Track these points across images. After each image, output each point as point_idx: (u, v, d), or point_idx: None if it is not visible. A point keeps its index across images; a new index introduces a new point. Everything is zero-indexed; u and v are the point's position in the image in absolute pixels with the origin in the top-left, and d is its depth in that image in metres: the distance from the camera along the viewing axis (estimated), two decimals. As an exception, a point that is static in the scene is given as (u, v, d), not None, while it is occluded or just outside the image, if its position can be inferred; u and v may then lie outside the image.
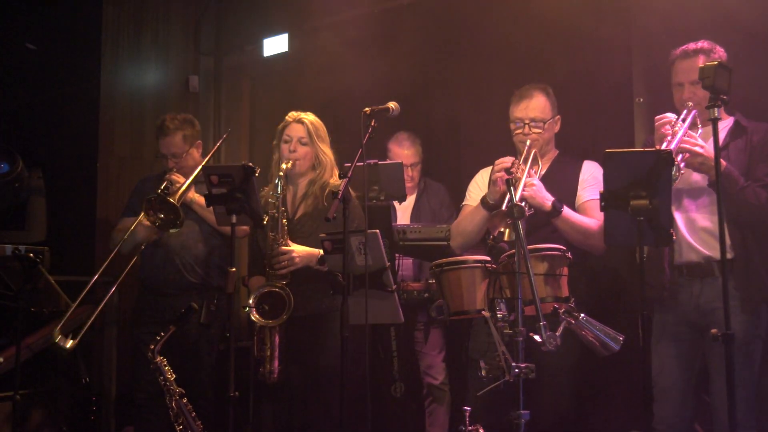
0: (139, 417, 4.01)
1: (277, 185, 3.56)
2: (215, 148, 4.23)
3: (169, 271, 4.01)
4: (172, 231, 3.80)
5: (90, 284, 3.78)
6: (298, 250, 3.54)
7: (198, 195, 3.99)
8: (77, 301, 3.76)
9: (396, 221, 4.36)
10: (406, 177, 4.43)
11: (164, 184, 3.88)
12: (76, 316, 3.89)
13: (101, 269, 3.81)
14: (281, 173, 3.58)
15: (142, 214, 3.83)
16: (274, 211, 3.55)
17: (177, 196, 3.78)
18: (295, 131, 3.70)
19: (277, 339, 3.52)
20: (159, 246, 4.01)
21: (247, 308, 3.47)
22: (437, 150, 4.73)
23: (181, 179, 3.94)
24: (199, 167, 3.95)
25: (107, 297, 3.85)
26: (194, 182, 3.92)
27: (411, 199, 4.51)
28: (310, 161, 3.72)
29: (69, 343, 3.63)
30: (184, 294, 3.99)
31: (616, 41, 4.19)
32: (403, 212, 4.48)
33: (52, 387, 4.58)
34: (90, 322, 3.75)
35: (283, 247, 3.52)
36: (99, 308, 3.84)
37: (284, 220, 3.56)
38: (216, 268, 4.10)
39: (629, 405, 3.74)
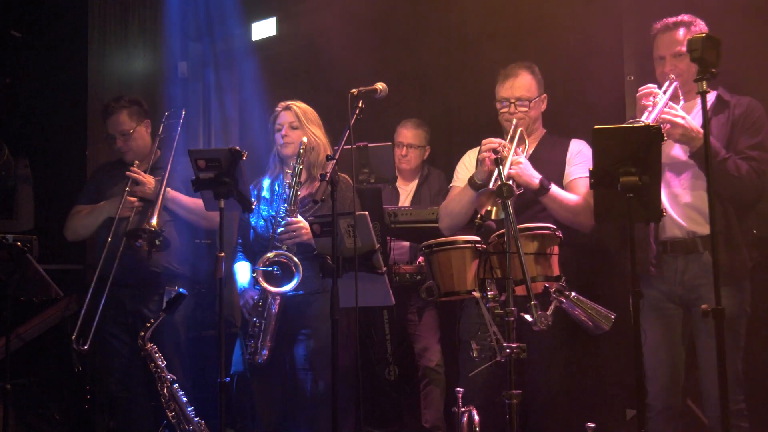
0: (118, 409, 3.95)
1: (297, 158, 3.54)
2: (178, 134, 4.10)
3: (129, 262, 3.89)
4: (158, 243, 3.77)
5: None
6: (306, 225, 3.53)
7: (171, 191, 3.94)
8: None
9: (398, 204, 4.36)
10: (400, 156, 4.45)
11: (128, 187, 3.86)
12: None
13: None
14: (302, 149, 3.55)
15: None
16: (290, 181, 3.54)
17: (154, 221, 3.76)
18: (285, 118, 3.73)
19: (275, 312, 3.49)
20: (117, 236, 3.89)
21: (255, 273, 3.44)
22: (430, 133, 4.69)
23: (141, 174, 3.90)
24: (170, 158, 3.93)
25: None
26: (154, 168, 3.90)
27: (413, 185, 4.51)
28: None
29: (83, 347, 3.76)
30: (146, 284, 3.93)
31: (606, 19, 4.17)
32: (406, 196, 4.48)
33: (44, 376, 4.57)
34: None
35: (294, 219, 3.51)
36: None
37: (299, 193, 3.55)
38: (180, 257, 4.02)
39: (622, 383, 3.74)
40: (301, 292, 3.51)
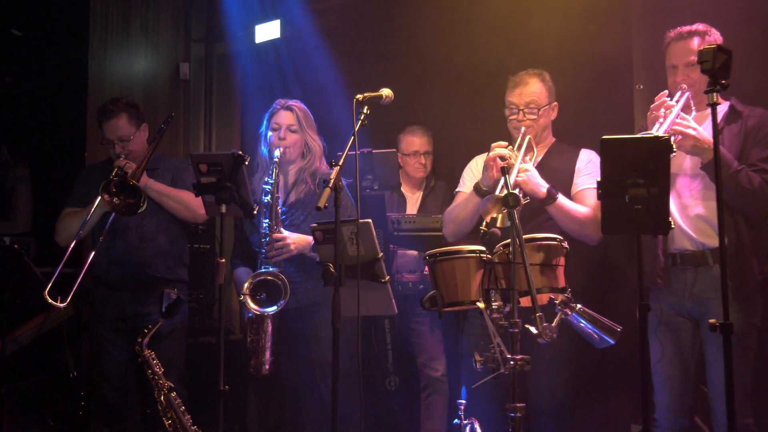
0: (113, 416, 3.88)
1: (271, 172, 3.49)
2: (162, 133, 3.89)
3: (129, 266, 3.81)
4: (140, 212, 3.56)
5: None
6: (292, 237, 3.48)
7: (153, 180, 3.81)
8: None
9: (406, 211, 4.31)
10: (418, 165, 4.42)
11: (115, 171, 3.64)
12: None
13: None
14: (276, 160, 3.50)
15: (99, 199, 3.60)
16: (269, 197, 3.48)
17: (137, 178, 3.60)
18: (284, 118, 3.65)
19: (270, 329, 3.44)
20: (117, 239, 3.81)
21: (242, 297, 3.40)
22: (433, 138, 4.65)
23: (134, 166, 3.71)
24: (152, 149, 3.78)
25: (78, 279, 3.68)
26: (146, 169, 3.75)
27: (420, 194, 4.47)
28: (299, 149, 3.66)
29: (60, 303, 3.52)
30: (145, 288, 3.84)
31: (616, 27, 4.13)
32: (413, 204, 4.44)
33: (40, 381, 4.51)
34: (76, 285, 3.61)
35: (277, 234, 3.45)
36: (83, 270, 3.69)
37: (278, 207, 3.50)
38: (178, 260, 3.95)
39: (629, 397, 3.69)
40: (304, 303, 3.46)
